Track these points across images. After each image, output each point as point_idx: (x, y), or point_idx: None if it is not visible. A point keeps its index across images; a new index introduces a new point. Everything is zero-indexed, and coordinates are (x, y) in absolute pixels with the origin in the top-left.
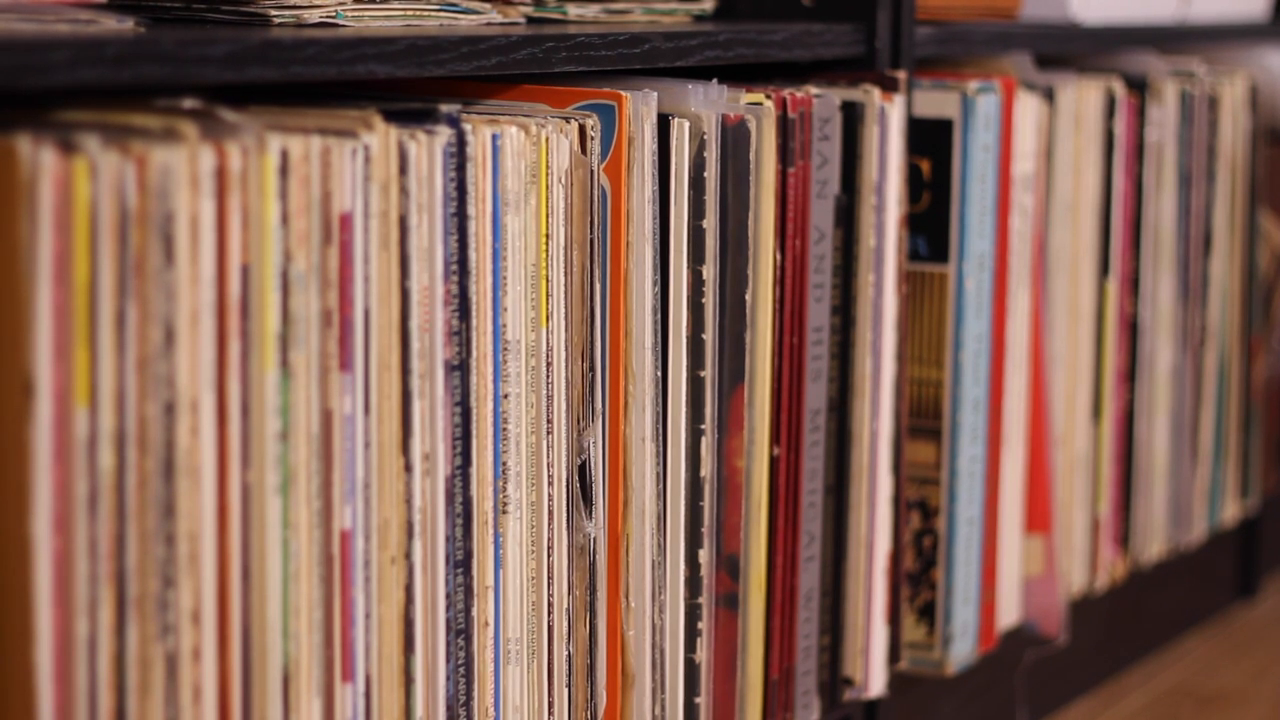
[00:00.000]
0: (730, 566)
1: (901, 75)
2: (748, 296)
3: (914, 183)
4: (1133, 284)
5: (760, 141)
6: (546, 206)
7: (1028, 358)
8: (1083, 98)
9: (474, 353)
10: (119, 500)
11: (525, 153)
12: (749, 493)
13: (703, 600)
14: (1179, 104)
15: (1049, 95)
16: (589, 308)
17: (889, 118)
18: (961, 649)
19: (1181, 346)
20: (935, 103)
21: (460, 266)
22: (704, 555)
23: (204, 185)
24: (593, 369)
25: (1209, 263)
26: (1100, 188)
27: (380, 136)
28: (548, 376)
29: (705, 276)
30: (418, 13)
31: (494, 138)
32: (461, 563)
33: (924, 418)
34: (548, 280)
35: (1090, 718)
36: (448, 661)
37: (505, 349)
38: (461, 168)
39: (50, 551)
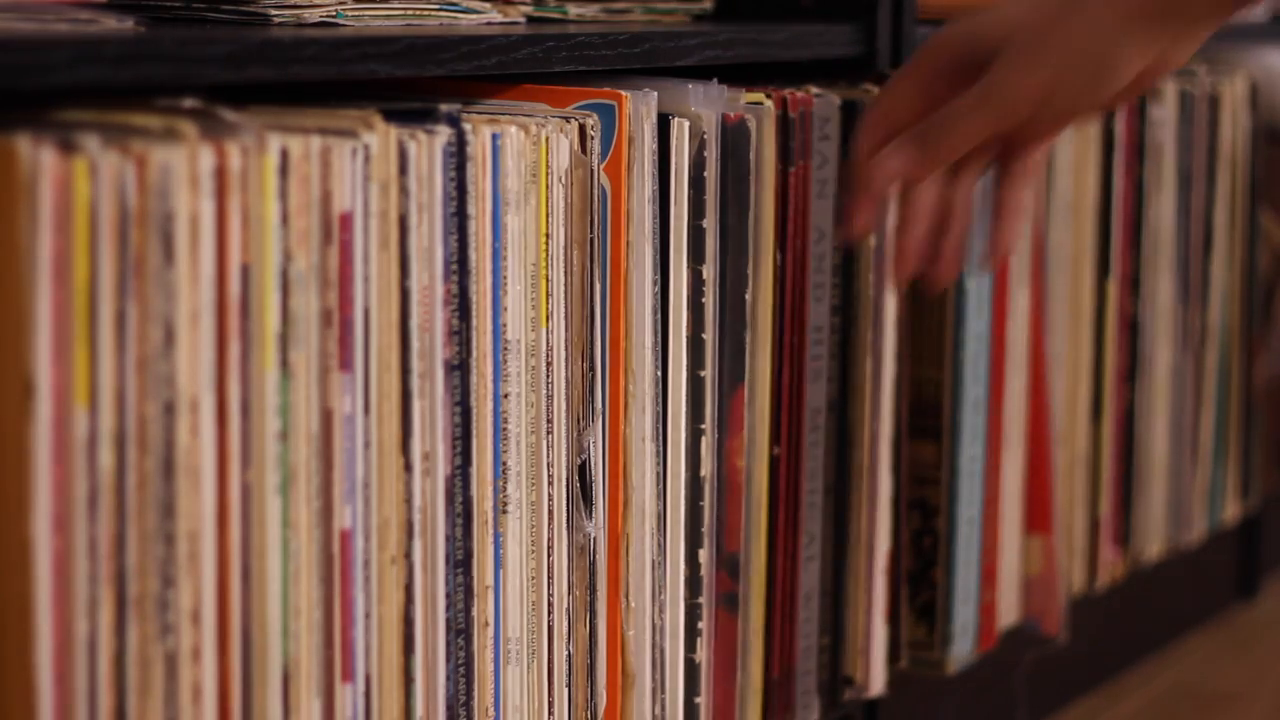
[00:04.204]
0: (730, 566)
1: None
2: (748, 296)
3: None
4: (1133, 284)
5: (760, 141)
6: (546, 206)
7: (1028, 358)
8: None
9: (474, 352)
10: (119, 500)
11: (525, 152)
12: (749, 493)
13: (703, 600)
14: (1179, 104)
15: None
16: (589, 307)
17: None
18: (961, 649)
19: (1181, 346)
20: None
21: (460, 266)
22: (704, 555)
23: (204, 185)
24: (593, 369)
25: (1209, 263)
26: (1100, 188)
27: (380, 136)
28: (548, 376)
29: (705, 276)
30: (418, 12)
31: (494, 137)
32: (461, 563)
33: (924, 417)
34: (548, 280)
35: (1090, 718)
36: (448, 661)
37: (505, 349)
38: (461, 167)
39: (50, 551)
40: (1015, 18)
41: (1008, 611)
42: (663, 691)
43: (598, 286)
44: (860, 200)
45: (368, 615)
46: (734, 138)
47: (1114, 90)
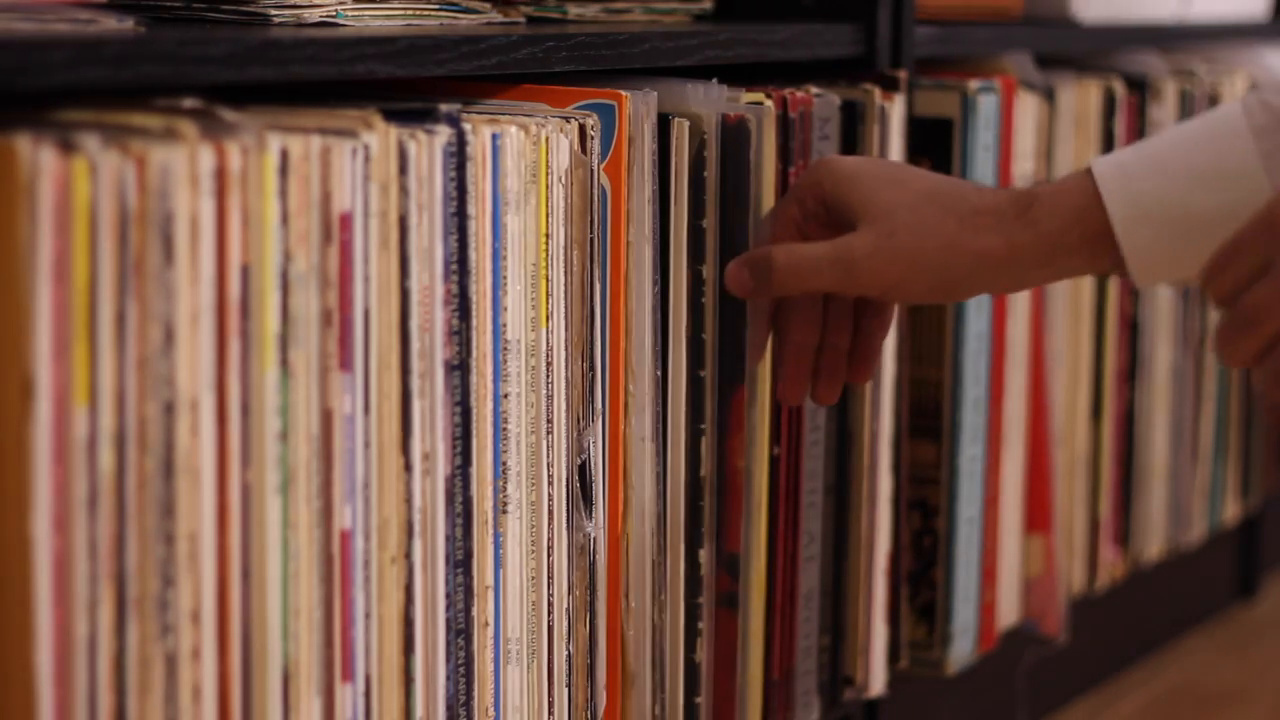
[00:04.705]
0: (730, 566)
1: (902, 75)
2: None
3: None
4: None
5: (760, 141)
6: (546, 206)
7: (1028, 357)
8: (1083, 98)
9: (474, 353)
10: (119, 500)
11: (525, 152)
12: (749, 493)
13: (703, 600)
14: (1179, 104)
15: (1049, 95)
16: (589, 307)
17: (889, 117)
18: (961, 649)
19: (1181, 346)
20: (935, 102)
21: (460, 266)
22: (704, 555)
23: (204, 185)
24: (593, 369)
25: None
26: None
27: (380, 136)
28: (548, 376)
29: (705, 276)
30: (418, 12)
31: (494, 137)
32: (461, 563)
33: (924, 417)
34: (548, 280)
35: (1090, 718)
36: (448, 661)
37: (505, 349)
38: (461, 167)
39: (50, 551)
40: (889, 203)
41: (1008, 611)
42: (663, 691)
43: (598, 286)
44: (753, 326)
45: (368, 615)
46: (734, 137)
47: (959, 299)
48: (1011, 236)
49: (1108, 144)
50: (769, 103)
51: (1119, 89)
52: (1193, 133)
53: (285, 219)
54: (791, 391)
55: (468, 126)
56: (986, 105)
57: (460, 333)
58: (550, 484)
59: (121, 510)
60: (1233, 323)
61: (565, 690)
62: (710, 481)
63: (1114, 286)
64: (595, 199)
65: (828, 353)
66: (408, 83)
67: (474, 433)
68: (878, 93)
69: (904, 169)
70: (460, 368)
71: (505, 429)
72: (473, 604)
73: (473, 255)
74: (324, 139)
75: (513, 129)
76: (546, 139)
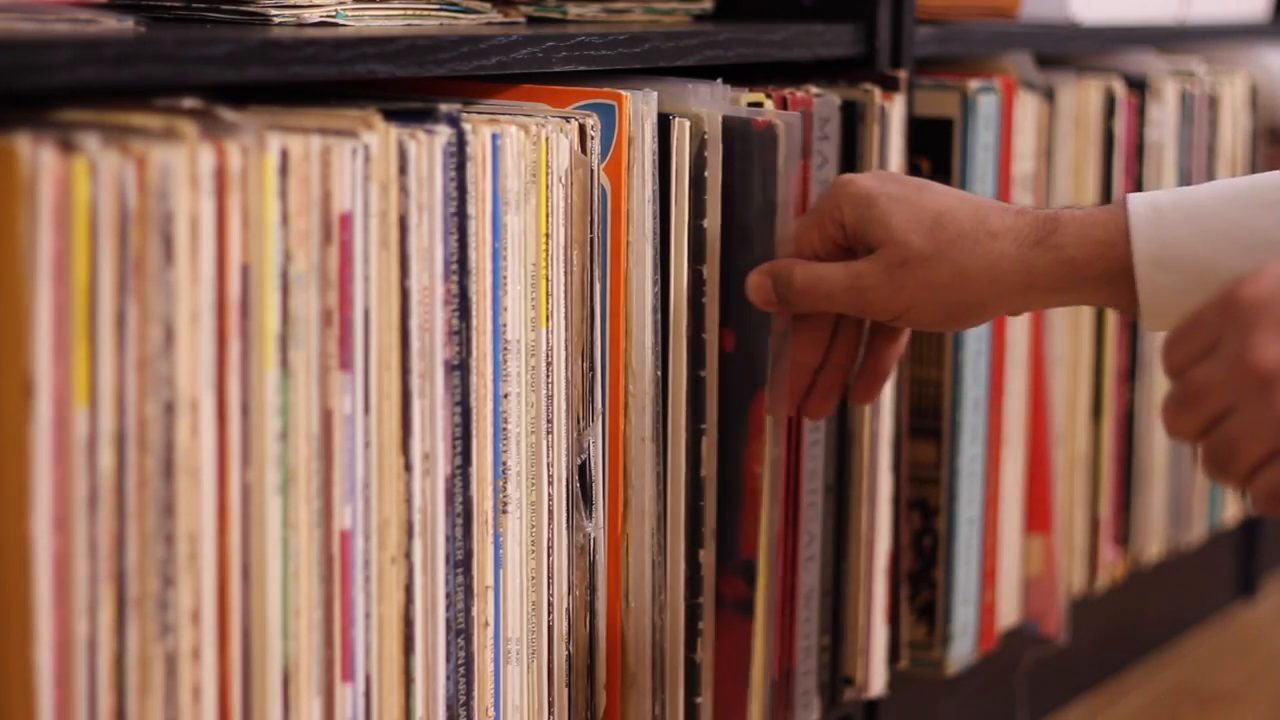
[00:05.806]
0: (747, 573)
1: (902, 75)
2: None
3: None
4: None
5: (789, 146)
6: (546, 206)
7: (1028, 358)
8: (1083, 98)
9: (474, 352)
10: (119, 500)
11: (525, 152)
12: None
13: (703, 600)
14: (1179, 104)
15: (1049, 95)
16: (589, 308)
17: (889, 117)
18: (961, 649)
19: None
20: (935, 102)
21: (460, 266)
22: (704, 555)
23: (204, 185)
24: (593, 369)
25: None
26: (1100, 188)
27: (380, 136)
28: (548, 376)
29: (705, 276)
30: (418, 12)
31: (494, 137)
32: (461, 563)
33: (924, 417)
34: (548, 280)
35: (1090, 718)
36: (448, 661)
37: (505, 349)
38: (461, 167)
39: (50, 551)
40: (901, 228)
41: (1008, 611)
42: (663, 691)
43: (598, 286)
44: (776, 337)
45: (368, 615)
46: (761, 144)
47: (974, 324)
48: (1029, 260)
49: (1108, 144)
50: (769, 103)
51: (1119, 89)
52: (1236, 190)
53: (285, 219)
54: (782, 406)
55: (468, 126)
56: (986, 105)
57: (460, 333)
58: (550, 484)
59: (121, 510)
60: (1177, 397)
61: (565, 690)
62: (711, 481)
63: None
64: (595, 199)
65: (829, 370)
66: (408, 83)
67: (474, 433)
68: (878, 93)
69: (923, 188)
70: (460, 368)
71: (505, 429)
72: (473, 604)
73: (473, 255)
74: (324, 139)
75: (513, 129)
76: (546, 139)
